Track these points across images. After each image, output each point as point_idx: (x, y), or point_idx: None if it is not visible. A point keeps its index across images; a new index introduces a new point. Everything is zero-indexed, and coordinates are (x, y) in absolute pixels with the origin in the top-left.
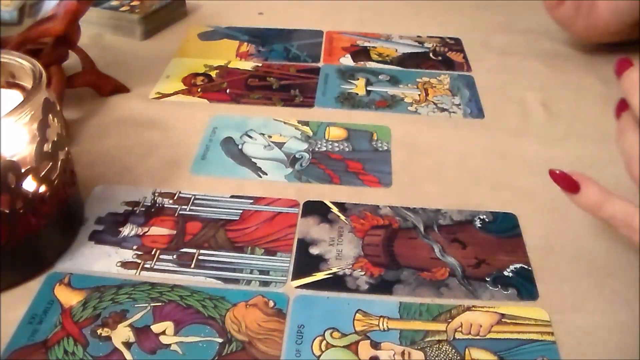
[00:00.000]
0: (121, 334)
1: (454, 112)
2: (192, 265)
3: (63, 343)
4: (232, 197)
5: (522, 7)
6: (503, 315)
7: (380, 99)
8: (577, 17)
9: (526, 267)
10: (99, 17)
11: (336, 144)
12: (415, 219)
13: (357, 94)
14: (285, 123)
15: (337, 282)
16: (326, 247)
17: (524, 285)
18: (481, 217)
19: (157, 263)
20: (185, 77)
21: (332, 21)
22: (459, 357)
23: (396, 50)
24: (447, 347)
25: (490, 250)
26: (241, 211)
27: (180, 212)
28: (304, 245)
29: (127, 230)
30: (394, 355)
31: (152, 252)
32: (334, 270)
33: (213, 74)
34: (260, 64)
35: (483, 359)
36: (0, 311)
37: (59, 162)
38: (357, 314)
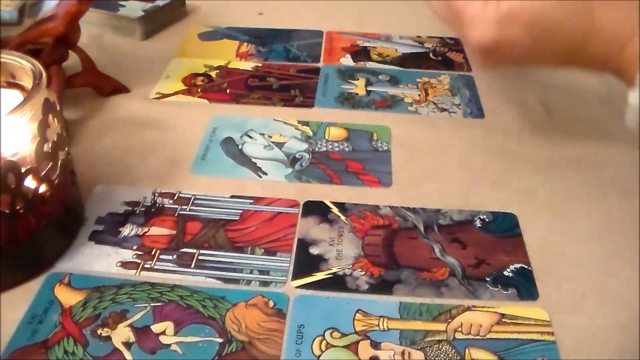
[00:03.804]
0: (121, 334)
1: (454, 112)
2: (192, 265)
3: (63, 343)
4: (232, 197)
5: None
6: (503, 315)
7: (380, 99)
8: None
9: (526, 267)
10: (99, 18)
11: (336, 144)
12: (415, 219)
13: (357, 94)
14: (285, 123)
15: (337, 282)
16: (326, 247)
17: (524, 285)
18: (481, 217)
19: (157, 263)
20: (185, 77)
21: (332, 21)
22: (459, 357)
23: (396, 50)
24: (447, 347)
25: (490, 250)
26: (241, 211)
27: (180, 212)
28: (304, 245)
29: (127, 230)
30: (394, 355)
31: (152, 252)
32: (334, 270)
33: (213, 74)
34: (260, 64)
35: (483, 359)
36: (0, 311)
37: (59, 162)
38: (357, 314)
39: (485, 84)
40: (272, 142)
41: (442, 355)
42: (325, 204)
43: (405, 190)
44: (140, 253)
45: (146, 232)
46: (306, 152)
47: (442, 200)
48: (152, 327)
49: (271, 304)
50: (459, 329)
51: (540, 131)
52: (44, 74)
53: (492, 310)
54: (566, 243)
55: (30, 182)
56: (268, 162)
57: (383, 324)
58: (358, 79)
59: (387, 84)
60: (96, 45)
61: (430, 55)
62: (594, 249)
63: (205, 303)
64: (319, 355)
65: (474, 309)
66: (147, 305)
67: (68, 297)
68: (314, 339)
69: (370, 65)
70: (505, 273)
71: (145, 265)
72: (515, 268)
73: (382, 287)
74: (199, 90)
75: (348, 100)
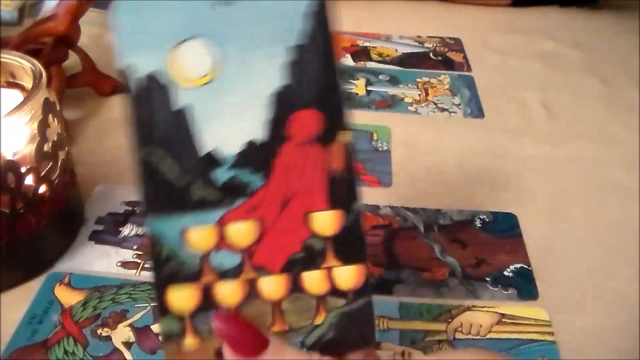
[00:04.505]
0: (121, 333)
1: (454, 112)
2: None
3: (63, 343)
4: None
5: (521, 7)
6: (503, 315)
7: (380, 99)
8: None
9: (526, 267)
10: (99, 18)
11: None
12: (415, 219)
13: (357, 94)
14: None
15: None
16: None
17: (524, 285)
18: (481, 217)
19: None
20: None
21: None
22: None
23: (396, 50)
24: (448, 347)
25: (490, 250)
26: None
27: None
28: None
29: (127, 230)
30: (394, 355)
31: None
32: None
33: None
34: None
35: None
36: (0, 311)
37: (59, 162)
38: None
39: (485, 84)
40: None
41: None
42: None
43: (405, 190)
44: (140, 253)
45: None
46: None
47: (442, 200)
48: (152, 327)
49: None
50: (459, 329)
51: (540, 131)
52: (44, 74)
53: (492, 310)
54: (566, 243)
55: (30, 182)
56: None
57: (383, 324)
58: (358, 79)
59: (387, 83)
60: (96, 45)
61: (430, 55)
62: (594, 249)
63: None
64: None
65: (474, 309)
66: (147, 305)
67: (68, 297)
68: None
69: (370, 65)
70: (505, 273)
71: (146, 265)
72: (515, 268)
73: (382, 287)
74: None
75: (348, 100)
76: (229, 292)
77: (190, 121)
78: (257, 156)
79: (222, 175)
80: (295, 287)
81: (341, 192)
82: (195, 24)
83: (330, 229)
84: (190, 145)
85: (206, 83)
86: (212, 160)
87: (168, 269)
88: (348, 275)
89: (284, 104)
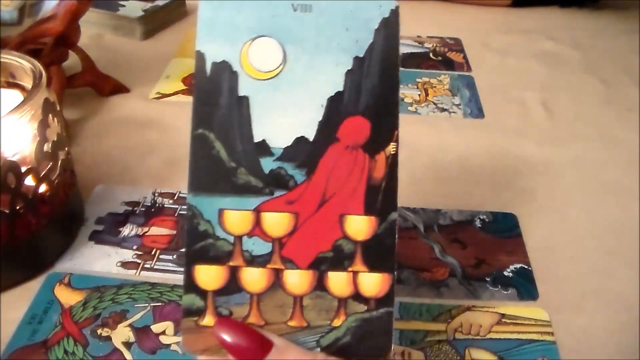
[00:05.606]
0: (121, 334)
1: (454, 112)
2: None
3: (63, 343)
4: None
5: (521, 7)
6: (503, 315)
7: None
8: None
9: (526, 267)
10: (99, 18)
11: None
12: (415, 219)
13: None
14: None
15: None
16: None
17: (524, 285)
18: (481, 217)
19: (157, 263)
20: (186, 77)
21: None
22: (459, 357)
23: None
24: (447, 347)
25: (490, 250)
26: None
27: (181, 212)
28: None
29: (127, 230)
30: (394, 355)
31: (152, 252)
32: None
33: None
34: None
35: (483, 359)
36: (0, 311)
37: (59, 162)
38: None
39: (485, 84)
40: None
41: (442, 355)
42: None
43: (405, 190)
44: (140, 253)
45: (146, 232)
46: None
47: (442, 200)
48: (152, 327)
49: None
50: (459, 329)
51: (540, 131)
52: (44, 74)
53: (492, 310)
54: (566, 243)
55: (30, 182)
56: None
57: None
58: None
59: None
60: (96, 45)
61: (430, 55)
62: (594, 249)
63: None
64: None
65: (474, 309)
66: (147, 305)
67: (68, 297)
68: None
69: None
70: (505, 273)
71: (145, 265)
72: (515, 268)
73: None
74: None
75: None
76: (254, 278)
77: (248, 109)
78: (304, 153)
79: (268, 165)
80: (320, 285)
81: (378, 200)
82: (272, 24)
83: (362, 234)
84: (245, 131)
85: (271, 77)
86: (261, 149)
87: (201, 244)
88: (373, 282)
89: (339, 108)
